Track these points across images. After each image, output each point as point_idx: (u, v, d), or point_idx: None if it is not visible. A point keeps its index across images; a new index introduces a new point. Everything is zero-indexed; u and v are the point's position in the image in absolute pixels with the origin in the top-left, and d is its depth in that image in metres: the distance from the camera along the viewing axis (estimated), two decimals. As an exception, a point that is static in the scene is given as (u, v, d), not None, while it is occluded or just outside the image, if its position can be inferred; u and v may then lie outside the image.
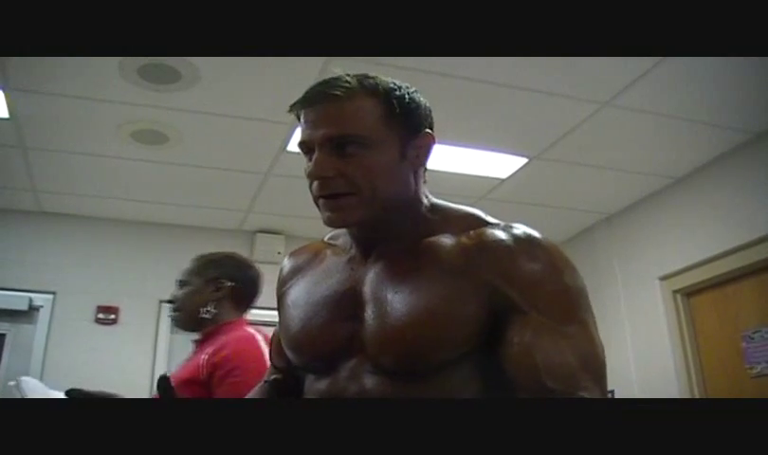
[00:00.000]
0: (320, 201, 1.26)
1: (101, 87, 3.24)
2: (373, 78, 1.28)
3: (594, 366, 1.15)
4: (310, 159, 1.26)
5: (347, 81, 1.25)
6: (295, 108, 1.29)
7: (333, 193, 1.23)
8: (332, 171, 1.22)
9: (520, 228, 1.25)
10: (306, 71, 2.94)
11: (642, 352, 4.45)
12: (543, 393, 1.10)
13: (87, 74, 3.12)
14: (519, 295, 1.17)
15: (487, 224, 1.28)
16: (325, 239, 1.48)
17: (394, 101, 1.26)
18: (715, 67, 3.10)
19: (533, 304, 1.16)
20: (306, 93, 1.28)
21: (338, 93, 1.23)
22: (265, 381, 1.57)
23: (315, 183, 1.25)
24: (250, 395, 1.57)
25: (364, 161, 1.23)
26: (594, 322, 1.21)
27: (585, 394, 1.09)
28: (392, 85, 1.28)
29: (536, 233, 1.25)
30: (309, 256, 1.46)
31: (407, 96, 1.28)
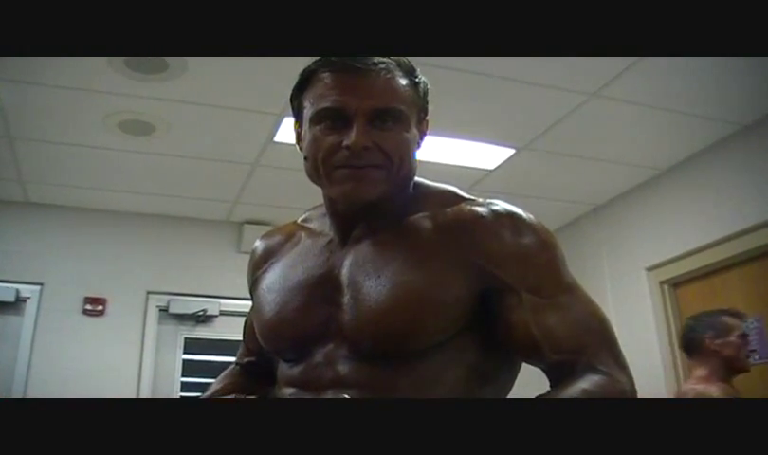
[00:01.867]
0: (342, 171, 1.22)
1: (88, 78, 3.23)
2: (405, 58, 1.31)
3: (597, 327, 1.21)
4: (330, 127, 1.22)
5: (389, 57, 1.27)
6: (327, 70, 1.26)
7: (364, 164, 1.21)
8: (371, 142, 1.20)
9: (498, 204, 1.26)
10: (295, 62, 2.94)
11: (629, 342, 4.39)
12: (550, 364, 1.17)
13: (74, 64, 3.10)
14: (507, 274, 1.18)
15: (464, 200, 1.29)
16: (298, 221, 1.46)
17: (420, 84, 1.30)
18: (702, 60, 3.11)
19: (523, 282, 1.18)
20: (347, 59, 1.25)
21: (385, 64, 1.24)
22: (238, 363, 1.55)
23: (344, 152, 1.20)
24: (222, 378, 1.54)
25: (398, 135, 1.23)
26: (579, 283, 1.25)
27: (591, 358, 1.16)
28: (414, 67, 1.31)
29: (514, 207, 1.26)
30: (282, 238, 1.44)
31: (423, 81, 1.32)
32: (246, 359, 1.53)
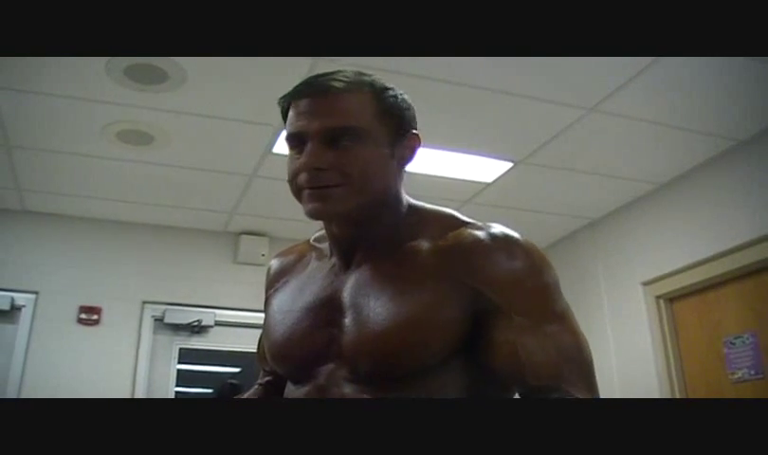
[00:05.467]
0: (306, 192, 1.25)
1: (88, 87, 3.23)
2: (368, 75, 1.31)
3: (578, 358, 1.19)
4: (298, 152, 1.26)
5: (344, 75, 1.27)
6: (288, 99, 1.30)
7: (323, 185, 1.23)
8: (326, 163, 1.22)
9: (496, 228, 1.27)
10: (293, 73, 2.94)
11: (624, 357, 4.47)
12: (528, 389, 1.15)
13: (74, 73, 3.11)
14: (499, 296, 1.19)
15: (464, 224, 1.30)
16: (311, 240, 1.48)
17: (389, 99, 1.30)
18: (699, 74, 3.13)
19: (514, 306, 1.19)
20: (301, 84, 1.29)
21: (337, 85, 1.25)
22: (259, 384, 1.57)
23: (304, 174, 1.24)
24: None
25: (357, 153, 1.24)
26: (572, 313, 1.24)
27: (569, 387, 1.14)
28: (385, 84, 1.31)
29: (512, 232, 1.27)
30: (295, 259, 1.47)
31: (399, 96, 1.32)
32: (265, 379, 1.56)
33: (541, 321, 1.19)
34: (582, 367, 1.19)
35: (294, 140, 1.28)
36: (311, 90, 1.26)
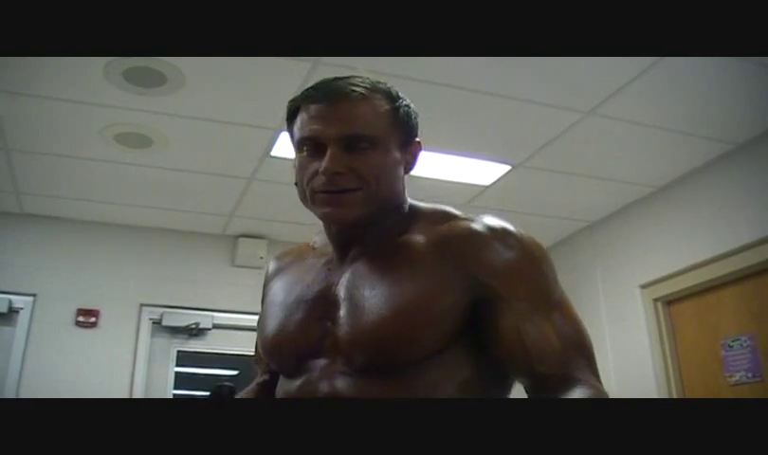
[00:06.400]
0: (321, 196, 1.27)
1: (86, 90, 3.23)
2: (384, 83, 1.34)
3: (581, 345, 1.23)
4: (310, 155, 1.28)
5: (362, 82, 1.30)
6: (304, 101, 1.31)
7: (341, 189, 1.25)
8: (344, 167, 1.25)
9: (490, 219, 1.30)
10: (292, 77, 2.95)
11: (622, 359, 4.47)
12: (535, 377, 1.18)
13: (72, 76, 3.11)
14: (499, 284, 1.21)
15: (457, 217, 1.33)
16: (310, 242, 1.50)
17: (402, 108, 1.33)
18: (697, 78, 3.13)
19: (515, 293, 1.21)
20: (320, 88, 1.30)
21: (356, 91, 1.28)
22: (257, 382, 1.58)
23: (321, 178, 1.26)
24: (242, 396, 1.57)
25: (373, 159, 1.27)
26: (570, 300, 1.28)
27: (576, 374, 1.17)
28: (398, 93, 1.35)
29: (505, 222, 1.30)
30: (293, 258, 1.49)
31: (410, 105, 1.36)
32: (261, 378, 1.57)
33: (543, 309, 1.22)
34: (586, 353, 1.23)
35: (308, 144, 1.29)
36: (329, 94, 1.28)
